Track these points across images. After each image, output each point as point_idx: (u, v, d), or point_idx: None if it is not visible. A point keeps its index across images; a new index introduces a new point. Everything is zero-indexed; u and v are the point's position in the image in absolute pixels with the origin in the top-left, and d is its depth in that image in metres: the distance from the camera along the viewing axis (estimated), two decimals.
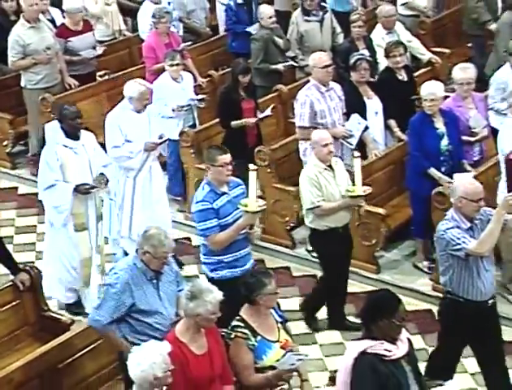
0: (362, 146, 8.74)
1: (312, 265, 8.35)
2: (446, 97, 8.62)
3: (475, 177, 8.19)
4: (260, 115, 8.98)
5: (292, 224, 8.77)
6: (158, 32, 10.26)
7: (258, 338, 5.71)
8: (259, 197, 6.89)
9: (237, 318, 5.80)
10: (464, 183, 6.23)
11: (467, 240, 6.04)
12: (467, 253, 6.05)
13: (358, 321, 7.12)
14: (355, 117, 8.66)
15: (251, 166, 6.60)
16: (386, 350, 5.20)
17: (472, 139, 8.44)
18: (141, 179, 8.22)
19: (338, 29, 10.54)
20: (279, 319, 5.93)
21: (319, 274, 7.80)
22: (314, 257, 8.14)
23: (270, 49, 10.21)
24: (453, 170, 8.15)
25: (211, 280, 6.44)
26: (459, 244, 6.03)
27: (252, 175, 6.46)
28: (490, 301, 6.30)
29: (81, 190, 7.55)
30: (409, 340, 5.40)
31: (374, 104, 8.86)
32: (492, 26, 10.70)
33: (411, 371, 5.29)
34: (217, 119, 9.17)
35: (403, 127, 8.73)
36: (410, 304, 7.76)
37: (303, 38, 10.34)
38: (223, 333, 5.78)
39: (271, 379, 5.67)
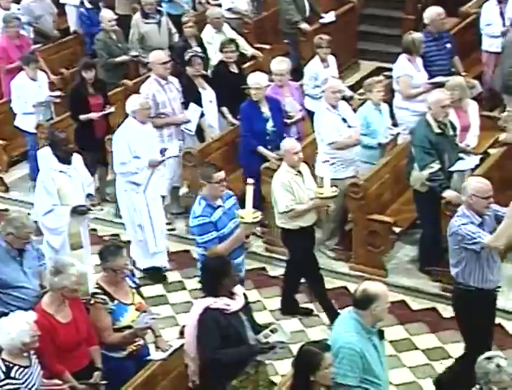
0: (200, 131, 8.78)
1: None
2: (270, 85, 8.76)
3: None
4: (103, 112, 8.80)
5: None
6: (8, 35, 10.01)
7: (115, 302, 5.63)
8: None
9: (96, 286, 5.72)
10: (474, 181, 5.94)
11: (482, 234, 5.75)
12: (482, 247, 5.77)
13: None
14: (192, 106, 8.66)
15: (249, 180, 6.12)
16: (226, 304, 5.30)
17: (288, 121, 8.61)
18: (151, 192, 7.76)
19: (173, 30, 10.48)
20: (133, 285, 5.87)
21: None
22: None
23: (111, 48, 9.98)
24: (278, 147, 8.32)
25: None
26: (475, 238, 5.73)
27: (249, 189, 6.03)
28: (496, 289, 6.10)
29: (80, 211, 7.08)
30: (244, 294, 5.52)
31: (208, 94, 8.87)
32: (302, 25, 10.88)
33: (247, 320, 5.41)
34: (68, 113, 8.99)
35: (235, 112, 8.78)
36: (247, 264, 7.86)
37: (144, 38, 10.21)
38: (84, 301, 5.69)
39: (129, 336, 5.63)
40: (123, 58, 10.09)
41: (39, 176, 7.26)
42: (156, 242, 7.82)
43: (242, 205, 6.28)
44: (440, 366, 6.68)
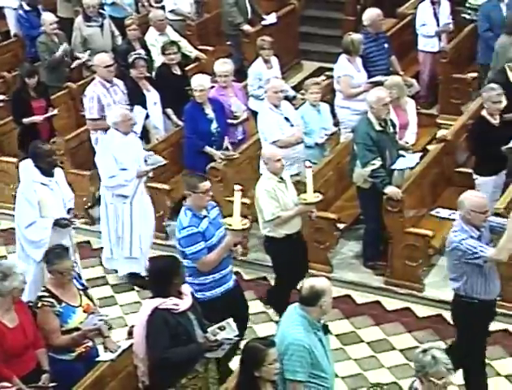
0: (145, 133, 8.73)
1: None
2: (213, 87, 8.77)
3: (244, 150, 8.45)
4: (46, 115, 8.68)
5: (89, 203, 8.66)
6: None
7: (63, 304, 5.57)
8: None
9: (43, 289, 5.65)
10: (471, 197, 5.78)
11: (484, 248, 5.63)
12: (485, 261, 5.66)
13: None
14: (137, 108, 8.60)
15: (236, 186, 5.92)
16: (175, 304, 5.27)
17: (235, 121, 8.63)
18: (137, 202, 7.53)
19: (116, 32, 10.39)
20: (81, 287, 5.81)
21: None
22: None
23: (54, 51, 9.81)
24: (221, 148, 8.32)
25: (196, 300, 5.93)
26: (477, 253, 5.61)
27: (237, 195, 5.80)
28: (497, 298, 6.05)
29: (61, 224, 6.79)
30: (192, 293, 5.51)
31: (152, 96, 8.83)
32: (245, 27, 10.92)
33: (195, 319, 5.38)
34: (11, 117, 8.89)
35: (179, 114, 8.76)
36: None
37: (87, 41, 10.12)
38: (31, 304, 5.62)
39: (77, 338, 5.57)
40: (60, 55, 9.80)
41: (20, 188, 6.96)
42: (132, 249, 7.62)
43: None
44: (384, 358, 6.78)
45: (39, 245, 6.78)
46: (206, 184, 5.98)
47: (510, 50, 9.06)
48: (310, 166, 6.63)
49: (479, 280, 5.75)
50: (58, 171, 7.01)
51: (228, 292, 6.13)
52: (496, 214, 6.93)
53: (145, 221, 7.68)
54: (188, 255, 5.93)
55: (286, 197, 6.76)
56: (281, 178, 6.78)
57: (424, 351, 4.65)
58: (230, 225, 5.89)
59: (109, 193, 7.57)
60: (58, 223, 6.81)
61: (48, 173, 6.84)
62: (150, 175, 7.81)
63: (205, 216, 6.00)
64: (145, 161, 7.65)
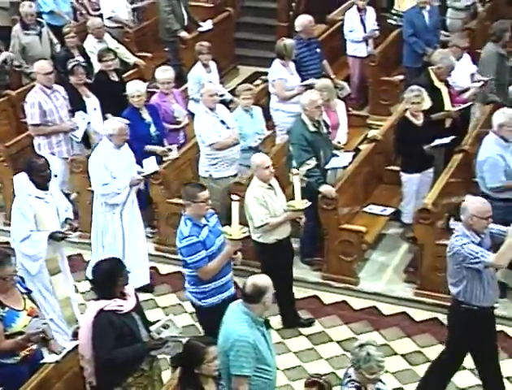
0: (86, 138, 8.60)
1: None
2: (151, 93, 8.72)
3: (184, 153, 8.40)
4: None
5: None
6: None
7: (6, 309, 5.43)
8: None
9: None
10: (474, 202, 5.64)
11: (485, 253, 5.51)
12: (486, 266, 5.55)
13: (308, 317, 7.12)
14: (79, 113, 8.49)
15: (234, 196, 5.81)
16: (119, 306, 5.23)
17: (178, 126, 8.60)
18: (127, 213, 7.30)
19: (55, 40, 10.21)
20: (24, 291, 5.67)
21: None
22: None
23: None
24: None
25: (199, 308, 5.97)
26: (478, 258, 5.49)
27: (234, 205, 5.70)
28: (495, 305, 5.91)
29: (57, 237, 6.54)
30: (135, 294, 5.45)
31: (92, 102, 8.71)
32: (182, 33, 10.85)
33: (140, 320, 5.35)
34: None
35: None
36: None
37: (25, 49, 9.91)
38: None
39: (21, 342, 5.43)
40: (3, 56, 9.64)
41: (15, 202, 6.70)
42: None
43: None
44: (322, 349, 6.84)
45: (35, 259, 6.57)
46: (205, 193, 5.91)
47: (496, 58, 8.89)
48: (297, 174, 6.55)
49: (478, 286, 5.65)
50: (52, 183, 6.81)
51: (230, 298, 5.98)
52: (425, 209, 7.11)
53: (132, 232, 7.47)
54: (190, 264, 5.88)
55: (275, 203, 6.71)
56: (270, 185, 6.73)
57: (361, 345, 4.79)
58: (230, 235, 5.83)
59: (99, 204, 7.40)
60: (54, 237, 6.61)
61: (43, 187, 6.64)
62: (141, 186, 7.70)
63: (205, 225, 5.92)
64: (139, 173, 7.53)
